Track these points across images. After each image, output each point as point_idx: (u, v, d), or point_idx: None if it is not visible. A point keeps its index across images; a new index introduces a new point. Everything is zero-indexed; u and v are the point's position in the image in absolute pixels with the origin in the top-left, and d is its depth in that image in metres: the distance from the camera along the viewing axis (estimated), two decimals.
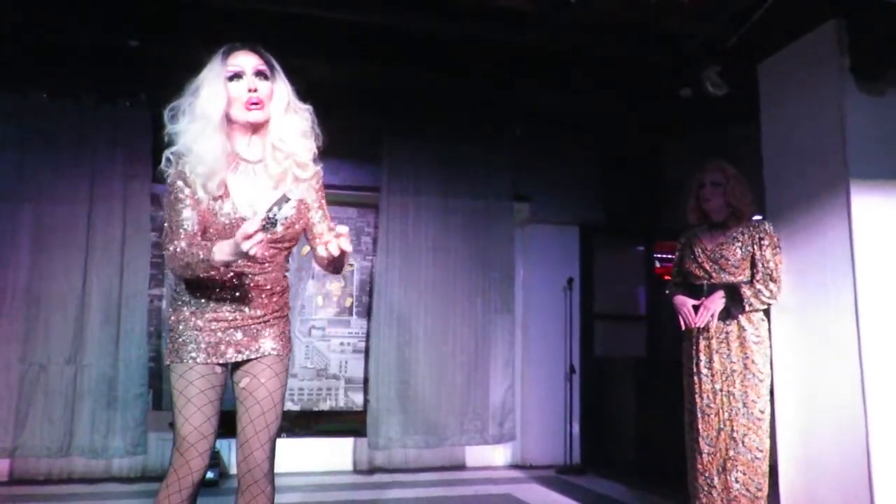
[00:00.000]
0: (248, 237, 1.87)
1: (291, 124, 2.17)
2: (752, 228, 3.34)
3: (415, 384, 5.25)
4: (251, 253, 1.89)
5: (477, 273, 5.53)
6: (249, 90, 2.12)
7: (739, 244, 3.33)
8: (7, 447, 4.49)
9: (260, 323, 2.21)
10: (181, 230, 2.08)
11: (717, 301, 3.30)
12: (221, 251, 1.98)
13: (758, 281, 3.28)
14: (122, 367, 4.66)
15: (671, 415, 4.99)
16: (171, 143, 2.13)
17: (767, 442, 3.22)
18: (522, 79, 4.78)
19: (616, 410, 5.66)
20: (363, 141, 5.38)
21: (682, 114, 4.87)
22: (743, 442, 3.19)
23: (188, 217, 2.09)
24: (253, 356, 2.20)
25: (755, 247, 3.31)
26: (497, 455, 5.69)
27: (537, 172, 5.85)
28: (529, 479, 5.17)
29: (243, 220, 2.07)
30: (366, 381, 5.45)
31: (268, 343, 2.22)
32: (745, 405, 3.21)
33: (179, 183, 2.10)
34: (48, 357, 4.58)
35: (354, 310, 5.63)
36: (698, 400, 3.32)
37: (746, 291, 3.27)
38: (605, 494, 4.72)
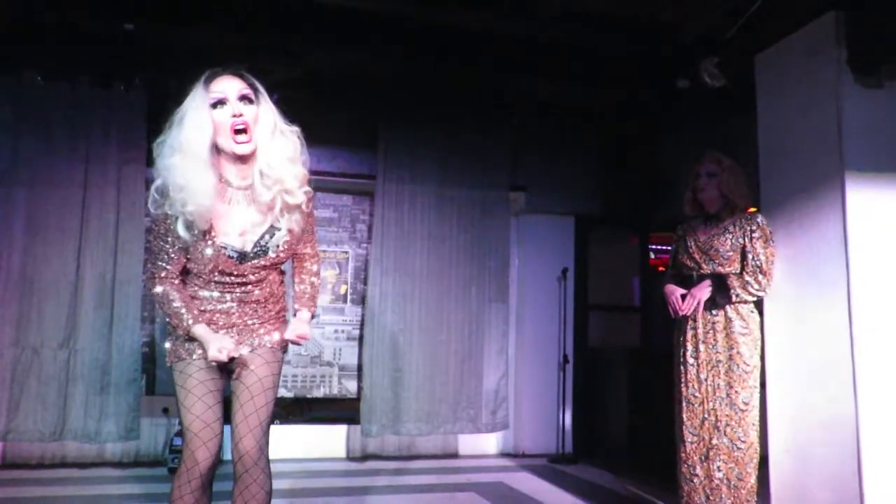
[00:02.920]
0: (220, 358, 2.07)
1: (278, 149, 2.15)
2: (744, 220, 3.35)
3: (408, 372, 5.27)
4: (219, 358, 2.08)
5: (472, 262, 5.54)
6: (234, 115, 2.08)
7: (730, 236, 3.34)
8: (0, 431, 4.49)
9: (257, 322, 2.28)
10: (162, 270, 2.16)
11: (704, 290, 3.32)
12: (195, 333, 2.12)
13: (747, 273, 3.29)
14: (115, 351, 4.66)
15: (664, 405, 5.01)
16: (158, 176, 2.10)
17: (753, 434, 3.24)
18: (521, 69, 4.77)
19: (609, 401, 5.68)
20: (360, 129, 5.37)
21: (680, 106, 4.87)
22: (725, 432, 3.22)
23: (169, 258, 2.16)
24: (247, 350, 2.25)
25: (746, 239, 3.31)
26: (489, 443, 5.72)
27: (534, 163, 5.85)
28: (521, 468, 5.20)
29: (225, 252, 2.13)
30: (359, 368, 5.47)
31: (262, 338, 2.28)
32: (728, 396, 3.24)
33: (166, 223, 2.12)
34: (41, 341, 4.57)
35: (349, 297, 5.63)
36: (684, 389, 3.36)
37: (734, 282, 3.28)
38: (597, 484, 4.74)
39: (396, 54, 4.48)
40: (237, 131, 2.08)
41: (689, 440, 3.30)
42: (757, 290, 3.28)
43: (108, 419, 4.62)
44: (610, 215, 6.14)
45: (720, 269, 3.34)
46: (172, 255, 2.15)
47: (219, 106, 2.08)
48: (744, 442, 3.21)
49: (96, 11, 4.03)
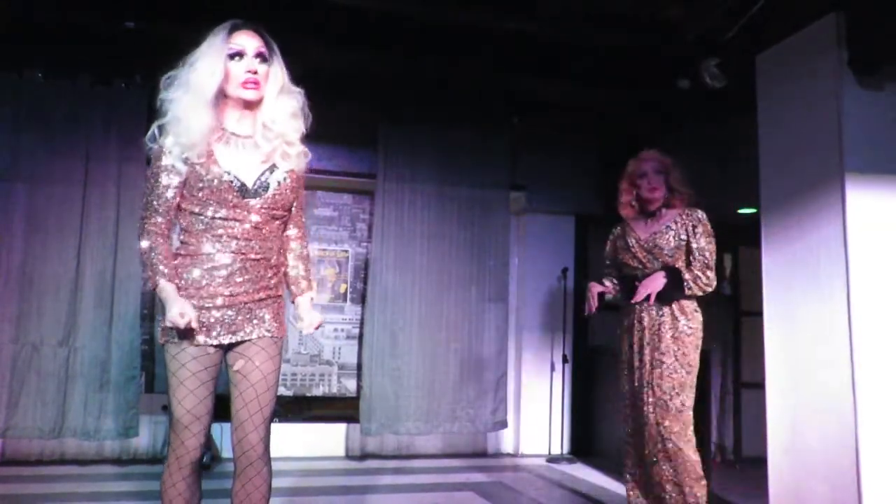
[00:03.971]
0: (178, 323, 2.02)
1: (283, 106, 2.24)
2: (685, 216, 3.28)
3: (408, 371, 5.27)
4: (178, 323, 2.02)
5: (472, 261, 5.53)
6: (248, 71, 2.17)
7: (673, 233, 3.27)
8: None
9: (256, 301, 2.21)
10: (151, 217, 2.16)
11: (658, 280, 3.21)
12: (163, 290, 2.09)
13: (695, 268, 3.20)
14: (114, 349, 4.66)
15: None
16: (161, 112, 2.18)
17: (690, 432, 3.13)
18: (521, 68, 4.77)
19: (608, 401, 5.68)
20: (360, 127, 5.36)
21: (681, 106, 4.86)
22: (670, 437, 3.11)
23: (161, 201, 2.16)
24: (247, 338, 2.20)
25: (689, 234, 3.24)
26: (488, 443, 5.72)
27: (534, 162, 5.84)
28: (521, 468, 5.20)
29: (230, 185, 2.15)
30: (359, 367, 5.47)
31: (263, 325, 2.22)
32: (670, 398, 3.13)
33: (161, 159, 2.16)
34: (41, 338, 4.57)
35: (349, 296, 5.63)
36: (638, 393, 3.26)
37: (686, 275, 3.18)
38: (595, 483, 4.74)
39: (396, 54, 4.48)
40: (250, 83, 2.17)
41: (639, 443, 3.24)
42: (705, 284, 3.18)
43: (108, 416, 4.62)
44: (610, 215, 6.11)
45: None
46: (166, 197, 2.16)
47: (236, 58, 2.17)
48: (685, 442, 3.11)
49: (97, 9, 4.03)
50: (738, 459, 5.76)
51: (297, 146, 2.27)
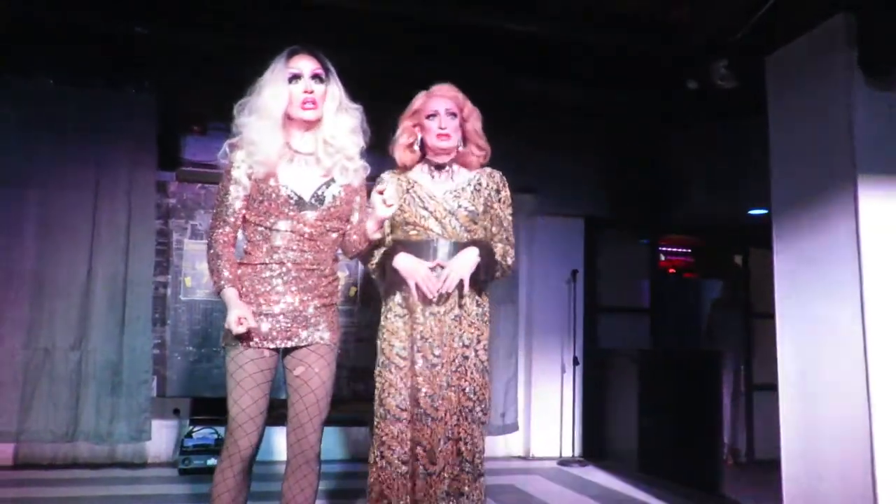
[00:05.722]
0: (234, 329, 2.17)
1: (342, 122, 2.40)
2: (487, 178, 2.66)
3: None
4: (232, 329, 2.17)
5: None
6: (305, 92, 2.32)
7: (478, 194, 2.61)
8: (12, 432, 4.52)
9: (312, 310, 2.35)
10: (221, 226, 2.32)
11: (472, 259, 2.49)
12: (225, 295, 2.25)
13: (499, 243, 2.61)
14: (126, 353, 4.68)
15: (673, 407, 5.00)
16: (234, 134, 2.35)
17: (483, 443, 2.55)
18: (528, 70, 4.76)
19: (618, 403, 5.66)
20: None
21: (690, 106, 4.85)
22: (473, 456, 2.48)
23: (230, 212, 2.31)
24: (302, 344, 2.34)
25: (494, 200, 2.63)
26: (499, 446, 5.70)
27: (542, 164, 5.82)
28: (531, 471, 5.19)
29: (288, 198, 2.30)
30: (369, 369, 5.46)
31: (319, 332, 2.37)
32: (474, 406, 2.50)
33: (230, 173, 2.32)
34: (53, 343, 4.60)
35: (358, 298, 5.64)
36: (422, 401, 2.48)
37: (497, 254, 2.56)
38: (607, 486, 4.73)
39: (397, 54, 4.48)
40: (307, 102, 2.33)
41: (431, 470, 2.46)
42: (511, 263, 2.63)
43: (120, 420, 4.65)
44: (619, 217, 6.12)
45: (469, 236, 2.57)
46: (234, 208, 2.31)
47: (294, 81, 2.33)
48: (481, 457, 2.51)
49: (107, 14, 4.06)
50: (750, 462, 5.74)
51: (356, 161, 2.44)
